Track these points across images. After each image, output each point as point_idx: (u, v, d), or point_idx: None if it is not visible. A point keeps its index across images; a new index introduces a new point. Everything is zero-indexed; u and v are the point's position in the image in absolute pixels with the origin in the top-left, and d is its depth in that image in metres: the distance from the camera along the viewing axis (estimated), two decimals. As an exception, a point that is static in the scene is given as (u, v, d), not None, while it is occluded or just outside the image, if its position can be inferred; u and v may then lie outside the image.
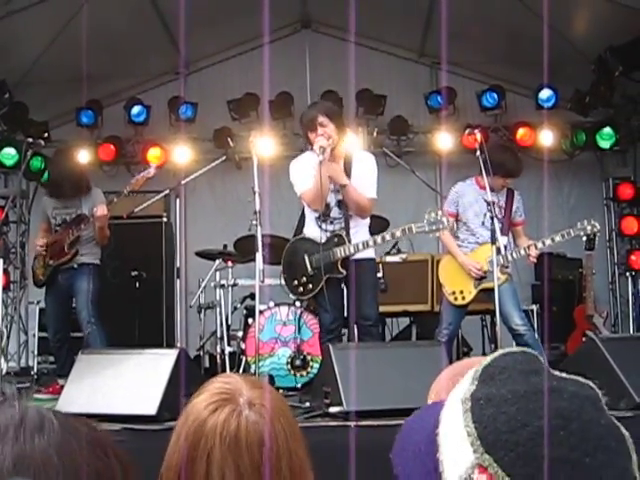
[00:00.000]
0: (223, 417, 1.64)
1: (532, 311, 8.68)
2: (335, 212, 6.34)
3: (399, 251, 8.80)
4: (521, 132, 10.41)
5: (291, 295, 6.76)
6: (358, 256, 6.32)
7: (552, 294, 9.04)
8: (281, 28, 10.76)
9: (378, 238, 6.35)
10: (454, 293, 7.03)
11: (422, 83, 10.95)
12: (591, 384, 1.18)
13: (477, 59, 10.49)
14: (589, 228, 6.80)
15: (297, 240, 6.62)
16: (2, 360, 6.62)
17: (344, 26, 10.81)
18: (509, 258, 6.86)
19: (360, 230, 6.39)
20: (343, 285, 6.70)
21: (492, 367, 1.18)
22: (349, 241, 6.29)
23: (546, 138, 10.32)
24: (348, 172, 6.34)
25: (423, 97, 10.55)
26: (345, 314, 6.69)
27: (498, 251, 6.72)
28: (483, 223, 6.96)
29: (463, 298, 6.99)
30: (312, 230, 6.42)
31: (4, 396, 1.06)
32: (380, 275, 8.36)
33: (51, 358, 9.16)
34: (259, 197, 6.33)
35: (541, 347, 6.83)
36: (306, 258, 6.37)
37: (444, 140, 10.33)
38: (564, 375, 1.19)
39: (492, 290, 6.61)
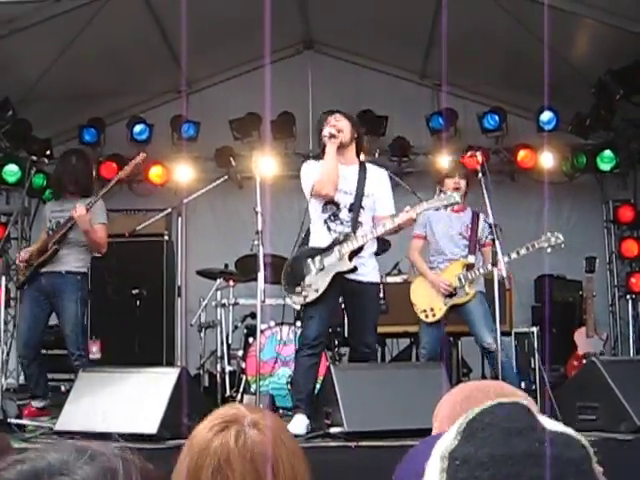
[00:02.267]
0: (228, 436, 1.68)
1: (532, 333, 8.68)
2: (344, 214, 6.19)
3: (400, 272, 8.81)
4: (522, 154, 10.45)
5: (295, 304, 6.44)
6: (364, 279, 6.19)
7: (552, 316, 9.03)
8: (284, 49, 10.82)
9: (388, 223, 6.09)
10: (425, 311, 7.12)
11: (423, 104, 10.99)
12: (583, 441, 1.13)
13: (478, 81, 10.54)
14: (553, 240, 6.83)
15: (299, 251, 6.38)
16: (2, 377, 6.57)
17: (346, 47, 10.91)
18: (478, 273, 7.02)
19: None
20: (342, 306, 6.67)
21: (477, 422, 1.14)
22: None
23: (546, 160, 10.36)
24: (362, 182, 6.27)
25: (424, 118, 10.59)
26: (339, 335, 6.60)
27: (468, 268, 7.02)
28: (451, 240, 7.19)
29: (434, 315, 7.07)
30: (320, 235, 6.24)
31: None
32: (381, 296, 8.38)
33: (51, 375, 9.13)
34: (261, 217, 6.33)
35: (513, 365, 6.89)
36: (309, 261, 6.18)
37: (445, 161, 10.35)
38: (556, 429, 1.13)
39: (461, 305, 7.00)
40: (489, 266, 6.98)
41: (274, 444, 1.68)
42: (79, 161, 7.42)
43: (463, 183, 7.28)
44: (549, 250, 6.91)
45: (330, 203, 6.23)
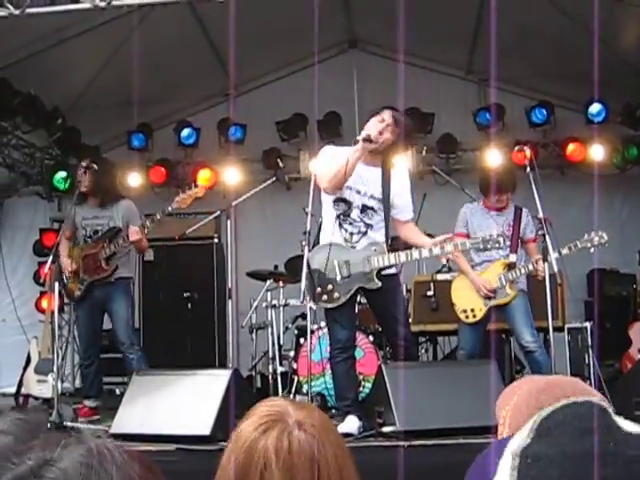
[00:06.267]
0: (274, 437, 1.64)
1: (585, 328, 8.56)
2: (355, 214, 6.01)
3: (450, 269, 8.76)
4: (571, 147, 10.33)
5: (311, 303, 6.13)
6: (385, 272, 6.06)
7: (605, 311, 8.92)
8: (328, 48, 10.80)
9: (425, 252, 6.02)
10: (465, 311, 7.07)
11: (470, 100, 10.91)
12: None
13: (525, 75, 10.44)
14: (596, 239, 6.70)
15: (324, 246, 6.12)
16: (58, 382, 6.67)
17: (391, 45, 10.83)
18: (519, 273, 6.91)
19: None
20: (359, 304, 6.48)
21: (550, 420, 1.12)
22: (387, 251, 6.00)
23: (597, 153, 10.22)
24: (387, 187, 6.04)
25: (471, 114, 10.52)
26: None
27: (510, 267, 6.92)
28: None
29: (474, 316, 7.02)
30: (330, 233, 6.02)
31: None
32: (431, 293, 8.35)
33: (106, 379, 9.23)
34: (311, 217, 6.26)
35: (550, 364, 6.67)
36: (336, 265, 6.01)
37: (493, 157, 10.26)
38: (634, 430, 1.09)
39: (503, 306, 6.92)
40: (530, 266, 6.87)
41: (319, 446, 1.65)
42: (103, 173, 7.44)
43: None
44: (592, 250, 6.80)
45: (341, 201, 6.04)
